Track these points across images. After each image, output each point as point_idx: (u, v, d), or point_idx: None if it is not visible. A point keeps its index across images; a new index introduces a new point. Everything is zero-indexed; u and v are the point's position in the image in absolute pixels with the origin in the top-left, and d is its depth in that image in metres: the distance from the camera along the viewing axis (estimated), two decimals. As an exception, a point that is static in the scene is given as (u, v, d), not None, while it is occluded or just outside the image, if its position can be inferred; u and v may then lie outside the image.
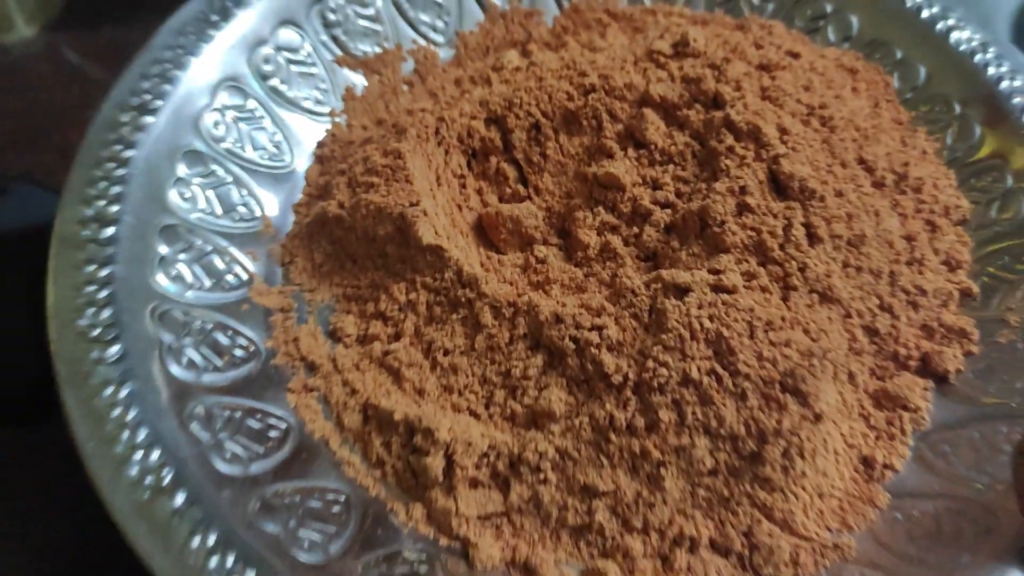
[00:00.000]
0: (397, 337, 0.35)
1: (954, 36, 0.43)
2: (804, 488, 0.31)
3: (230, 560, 0.27)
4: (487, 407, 0.34)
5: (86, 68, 0.51)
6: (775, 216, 0.35)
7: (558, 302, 0.34)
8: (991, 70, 0.42)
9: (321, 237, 0.38)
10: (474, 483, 0.32)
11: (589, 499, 0.31)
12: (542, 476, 0.31)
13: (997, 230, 0.39)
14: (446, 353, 0.35)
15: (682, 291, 0.33)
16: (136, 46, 0.39)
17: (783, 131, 0.36)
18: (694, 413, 0.31)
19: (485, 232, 0.39)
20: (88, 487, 0.29)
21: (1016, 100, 0.41)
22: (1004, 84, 0.41)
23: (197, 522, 0.28)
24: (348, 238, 0.38)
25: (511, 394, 0.33)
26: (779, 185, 0.35)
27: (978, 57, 0.42)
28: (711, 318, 0.32)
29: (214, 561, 0.27)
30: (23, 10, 0.52)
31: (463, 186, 0.40)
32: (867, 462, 0.33)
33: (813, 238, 0.35)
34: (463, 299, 0.35)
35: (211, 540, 0.28)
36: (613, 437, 0.31)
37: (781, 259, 0.34)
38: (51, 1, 0.54)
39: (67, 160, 0.35)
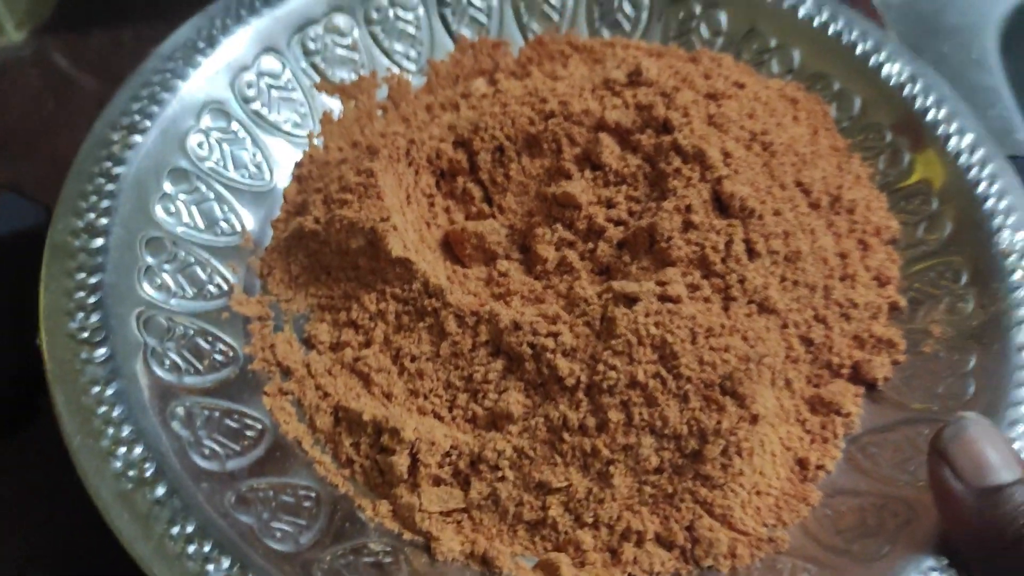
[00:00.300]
0: (367, 344, 0.37)
1: (886, 69, 0.45)
2: (742, 486, 0.33)
3: (207, 547, 0.28)
4: (450, 409, 0.35)
5: (75, 74, 0.50)
6: (717, 232, 0.36)
7: (517, 311, 0.35)
8: (919, 101, 0.43)
9: (298, 250, 0.39)
10: (437, 480, 0.33)
11: (543, 495, 0.32)
12: (500, 474, 0.32)
13: (924, 249, 0.40)
14: (413, 359, 0.36)
15: (631, 300, 0.34)
16: (126, 51, 0.38)
17: (726, 155, 0.37)
18: (640, 414, 0.32)
19: (451, 248, 0.40)
20: (67, 495, 0.30)
21: (941, 129, 0.42)
22: (930, 114, 0.43)
23: (176, 511, 0.29)
24: (323, 251, 0.39)
25: (473, 397, 0.35)
26: (722, 204, 0.37)
27: (907, 89, 0.44)
28: (657, 325, 0.33)
29: (192, 548, 0.28)
30: (13, 14, 0.52)
31: (431, 204, 0.41)
32: (802, 463, 0.34)
33: (752, 253, 0.36)
34: (429, 308, 0.36)
35: (189, 528, 0.29)
36: (566, 436, 0.32)
37: (722, 272, 0.35)
38: (41, 5, 0.53)
39: (55, 169, 0.35)
